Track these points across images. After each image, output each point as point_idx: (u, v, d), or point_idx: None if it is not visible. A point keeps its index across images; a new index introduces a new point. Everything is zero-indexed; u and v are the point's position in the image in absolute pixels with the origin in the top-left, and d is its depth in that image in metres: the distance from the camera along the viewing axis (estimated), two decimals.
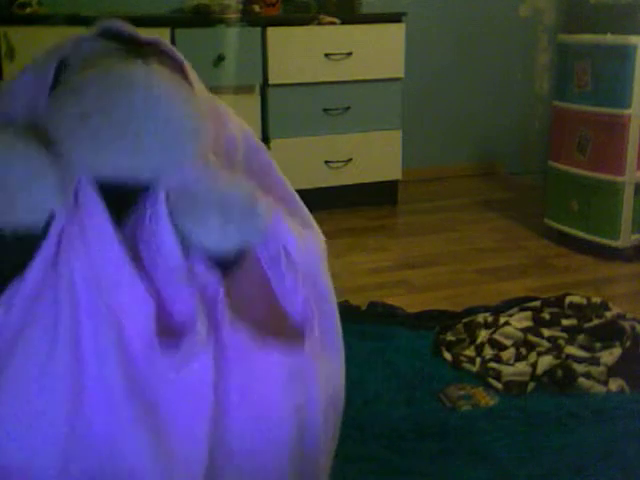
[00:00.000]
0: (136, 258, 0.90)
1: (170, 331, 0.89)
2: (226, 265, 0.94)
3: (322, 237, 1.08)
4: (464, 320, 2.05)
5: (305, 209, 1.12)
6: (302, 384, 0.97)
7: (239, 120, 1.14)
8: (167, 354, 0.88)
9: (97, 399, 0.85)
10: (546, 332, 1.93)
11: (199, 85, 1.04)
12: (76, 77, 0.91)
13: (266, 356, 0.94)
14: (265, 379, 0.94)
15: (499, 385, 1.74)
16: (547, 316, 2.02)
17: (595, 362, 1.78)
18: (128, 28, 1.03)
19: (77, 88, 0.89)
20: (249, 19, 3.08)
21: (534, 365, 1.78)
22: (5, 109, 0.96)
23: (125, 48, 0.99)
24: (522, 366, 1.79)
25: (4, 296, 0.87)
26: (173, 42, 2.94)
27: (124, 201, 0.91)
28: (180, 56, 1.02)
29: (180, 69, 1.03)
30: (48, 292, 0.86)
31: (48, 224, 0.86)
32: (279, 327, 0.99)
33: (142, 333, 0.87)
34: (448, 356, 1.88)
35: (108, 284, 0.87)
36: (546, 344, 1.88)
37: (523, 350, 1.87)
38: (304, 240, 1.02)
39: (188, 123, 0.91)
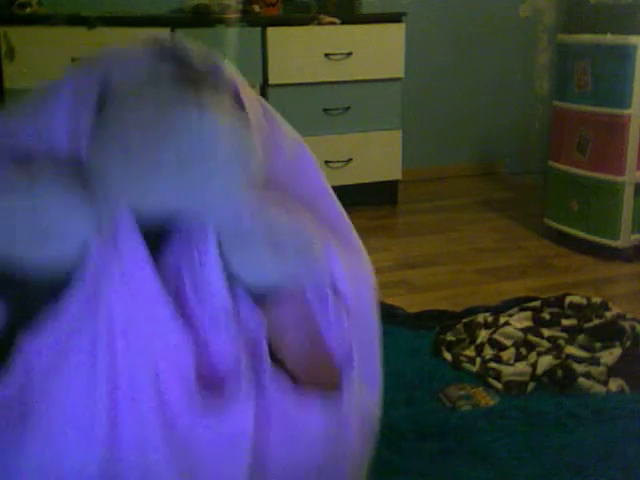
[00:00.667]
0: (178, 299, 0.87)
1: (211, 379, 0.87)
2: (271, 298, 0.91)
3: (370, 268, 1.04)
4: (464, 320, 2.05)
5: (355, 237, 1.09)
6: (339, 432, 0.95)
7: (295, 140, 1.09)
8: (207, 405, 0.85)
9: (131, 444, 0.83)
10: (546, 332, 1.93)
11: (254, 106, 0.98)
12: (122, 112, 0.87)
13: (306, 414, 0.91)
14: (304, 434, 0.92)
15: (499, 385, 1.74)
16: (547, 316, 2.02)
17: (595, 362, 1.78)
18: (183, 52, 0.94)
19: (122, 127, 0.85)
20: (249, 19, 3.08)
21: (534, 365, 1.78)
22: (44, 131, 0.92)
23: (175, 72, 0.93)
24: (522, 366, 1.79)
25: (38, 324, 0.84)
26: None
27: (166, 234, 0.89)
28: (234, 78, 0.96)
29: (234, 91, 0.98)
30: (86, 328, 0.84)
31: (82, 258, 0.84)
32: (319, 365, 0.97)
33: (180, 382, 0.84)
34: (448, 356, 1.88)
35: (146, 331, 0.84)
36: (546, 344, 1.88)
37: (523, 350, 1.87)
38: (355, 276, 0.99)
39: (235, 157, 0.87)
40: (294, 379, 0.92)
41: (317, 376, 0.95)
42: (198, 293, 0.87)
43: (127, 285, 0.84)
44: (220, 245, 0.88)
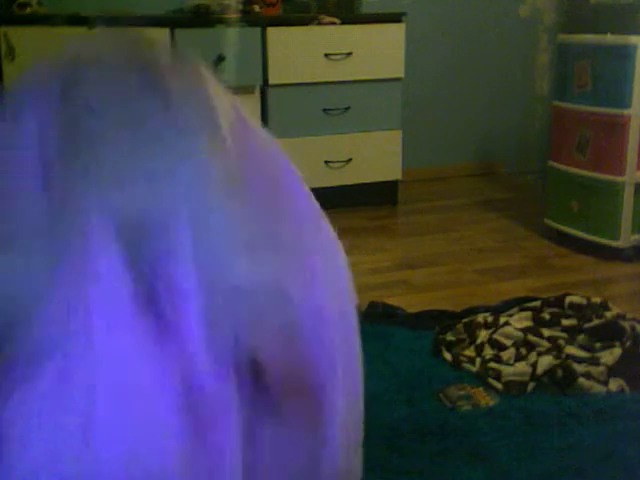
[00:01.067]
0: (153, 299, 0.84)
1: (194, 392, 0.84)
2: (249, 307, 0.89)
3: (345, 267, 1.03)
4: (464, 320, 2.05)
5: (330, 234, 1.06)
6: (321, 455, 0.94)
7: (269, 139, 1.05)
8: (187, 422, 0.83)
9: (112, 452, 0.81)
10: (546, 332, 1.93)
11: (224, 105, 0.97)
12: (86, 121, 0.84)
13: (290, 435, 0.90)
14: (287, 458, 0.91)
15: (499, 385, 1.74)
16: (547, 316, 2.02)
17: (595, 362, 1.78)
18: (151, 55, 0.91)
19: (87, 134, 0.82)
20: (249, 19, 3.08)
21: (534, 365, 1.78)
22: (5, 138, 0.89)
23: (142, 77, 0.90)
24: (522, 366, 1.79)
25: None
26: (173, 42, 2.94)
27: (140, 234, 0.86)
28: (203, 78, 0.93)
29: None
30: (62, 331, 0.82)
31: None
32: (300, 377, 0.95)
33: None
34: (448, 356, 1.88)
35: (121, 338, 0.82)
36: (546, 344, 1.88)
37: (523, 350, 1.87)
38: (332, 280, 0.97)
39: (203, 150, 0.85)
40: (274, 398, 0.91)
41: (297, 390, 0.94)
42: (174, 297, 0.85)
43: (102, 292, 0.82)
44: (195, 243, 0.85)
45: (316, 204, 1.07)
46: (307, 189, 1.08)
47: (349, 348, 1.02)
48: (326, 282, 0.96)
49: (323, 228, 1.05)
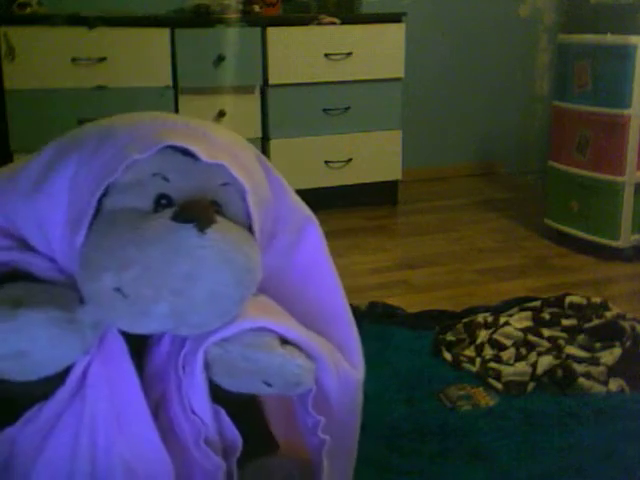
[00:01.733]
0: (162, 406, 0.89)
1: None
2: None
3: (358, 366, 1.04)
4: (464, 320, 2.05)
5: (347, 326, 1.06)
6: None
7: (303, 216, 1.05)
8: None
9: None
10: (546, 332, 1.93)
11: (261, 212, 0.93)
12: (114, 235, 0.82)
13: None
14: None
15: (499, 385, 1.74)
16: (547, 316, 2.02)
17: (595, 362, 1.78)
18: (191, 145, 0.87)
19: (118, 241, 0.81)
20: (249, 19, 3.08)
21: (534, 365, 1.78)
22: (44, 221, 0.88)
23: (180, 180, 0.87)
24: (522, 366, 1.79)
25: (26, 415, 0.87)
26: (173, 42, 2.95)
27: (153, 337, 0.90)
28: (243, 178, 0.89)
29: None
30: (70, 420, 0.86)
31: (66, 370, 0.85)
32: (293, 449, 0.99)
33: None
34: (448, 356, 1.88)
35: (128, 435, 0.86)
36: (546, 344, 1.88)
37: (523, 350, 1.87)
38: (340, 377, 0.98)
39: (232, 283, 0.83)
40: None
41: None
42: (182, 406, 0.89)
43: (111, 390, 0.86)
44: (207, 365, 0.88)
45: (340, 290, 1.08)
46: (331, 268, 1.08)
47: (345, 438, 1.05)
48: (333, 376, 0.98)
49: (345, 320, 1.07)
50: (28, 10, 2.89)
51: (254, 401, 0.98)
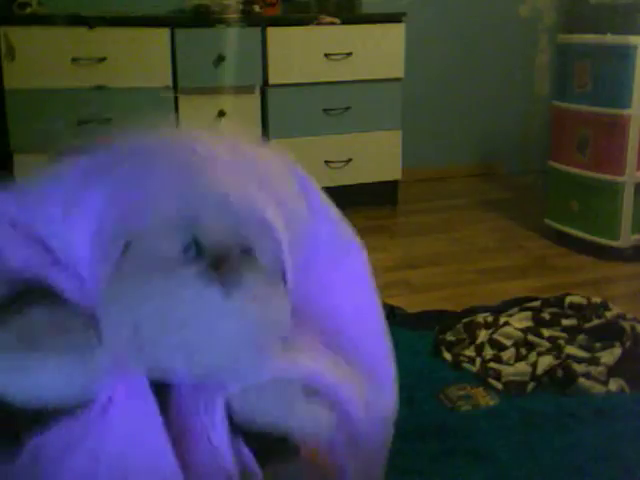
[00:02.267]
0: (182, 446, 0.88)
1: None
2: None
3: (389, 394, 1.03)
4: (464, 320, 2.05)
5: (381, 354, 1.06)
6: None
7: (345, 241, 1.05)
8: None
9: None
10: (546, 332, 1.93)
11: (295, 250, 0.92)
12: (139, 283, 0.81)
13: None
14: None
15: (499, 385, 1.74)
16: (547, 316, 2.02)
17: (595, 362, 1.78)
18: (230, 193, 0.85)
19: (139, 303, 0.80)
20: (249, 19, 3.08)
21: (534, 365, 1.78)
22: (65, 244, 0.87)
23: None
24: (522, 366, 1.79)
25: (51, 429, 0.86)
26: (173, 42, 2.95)
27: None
28: (274, 220, 0.87)
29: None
30: (90, 444, 0.85)
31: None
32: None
33: None
34: (448, 356, 1.88)
35: (147, 468, 0.86)
36: (546, 344, 1.88)
37: (523, 350, 1.87)
38: (371, 407, 0.98)
39: (255, 338, 0.83)
40: None
41: None
42: (201, 447, 0.88)
43: (131, 424, 0.86)
44: (227, 405, 0.88)
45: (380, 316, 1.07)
46: (373, 293, 1.07)
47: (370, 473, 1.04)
48: (360, 407, 0.98)
49: (381, 350, 1.07)
50: (28, 10, 2.89)
51: None
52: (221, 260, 0.82)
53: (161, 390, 0.89)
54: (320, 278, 1.00)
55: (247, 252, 0.86)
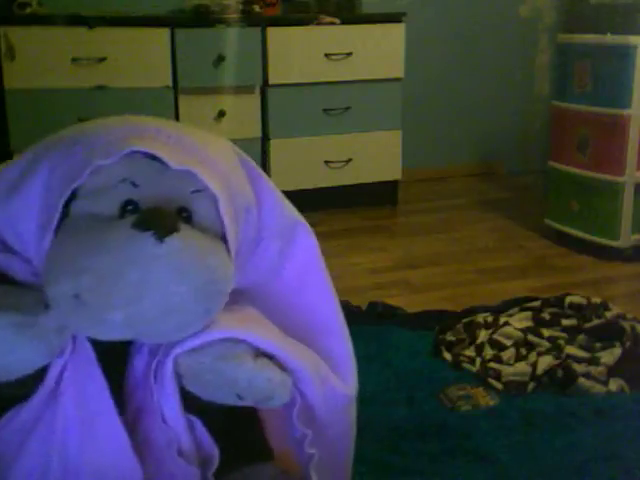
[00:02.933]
0: (136, 416, 0.89)
1: None
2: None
3: (349, 380, 1.03)
4: (464, 320, 2.05)
5: (339, 339, 1.05)
6: None
7: (291, 220, 1.03)
8: None
9: None
10: (546, 332, 1.93)
11: (236, 218, 0.92)
12: (76, 241, 0.82)
13: None
14: None
15: (499, 385, 1.74)
16: (547, 316, 2.02)
17: (595, 362, 1.78)
18: (158, 151, 0.85)
19: (75, 257, 0.80)
20: (249, 19, 3.08)
21: (534, 365, 1.78)
22: (16, 220, 0.88)
23: (144, 189, 0.86)
24: (522, 366, 1.79)
25: (6, 415, 0.88)
26: (173, 42, 2.95)
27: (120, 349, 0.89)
28: (212, 182, 0.87)
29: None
30: (45, 424, 0.86)
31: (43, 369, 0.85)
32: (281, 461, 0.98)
33: None
34: (448, 356, 1.88)
35: (98, 442, 0.86)
36: (546, 344, 1.88)
37: (523, 350, 1.87)
38: (327, 391, 0.97)
39: (195, 285, 0.82)
40: None
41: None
42: (155, 415, 0.88)
43: (81, 396, 0.86)
44: (179, 372, 0.88)
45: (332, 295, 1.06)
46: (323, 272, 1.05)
47: (335, 455, 1.04)
48: (318, 391, 0.98)
49: (336, 330, 1.05)
50: (28, 10, 2.89)
51: (248, 410, 0.97)
52: (156, 213, 0.83)
53: (113, 367, 0.88)
54: (269, 262, 1.00)
55: (183, 210, 0.87)
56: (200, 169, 0.86)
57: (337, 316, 1.06)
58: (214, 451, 0.92)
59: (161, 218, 0.82)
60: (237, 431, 0.96)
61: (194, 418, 0.91)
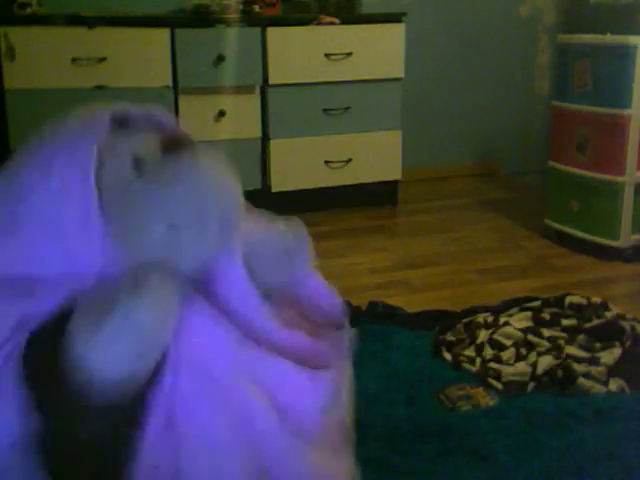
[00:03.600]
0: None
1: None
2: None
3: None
4: (464, 320, 2.05)
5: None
6: None
7: None
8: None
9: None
10: (546, 332, 1.93)
11: None
12: (133, 197, 0.90)
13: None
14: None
15: (499, 385, 1.74)
16: (547, 316, 2.02)
17: (595, 362, 1.78)
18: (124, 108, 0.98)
19: (148, 202, 0.89)
20: (249, 19, 3.08)
21: (534, 365, 1.78)
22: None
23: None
24: (522, 366, 1.79)
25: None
26: (173, 42, 2.95)
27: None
28: (174, 124, 1.02)
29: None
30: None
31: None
32: None
33: None
34: (448, 356, 1.88)
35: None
36: (546, 344, 1.88)
37: (523, 350, 1.87)
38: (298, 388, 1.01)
39: (236, 201, 0.95)
40: None
41: None
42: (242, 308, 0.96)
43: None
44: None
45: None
46: None
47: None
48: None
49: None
50: (28, 10, 2.89)
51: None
52: (169, 143, 0.93)
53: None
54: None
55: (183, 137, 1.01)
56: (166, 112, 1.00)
57: None
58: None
59: (179, 145, 0.94)
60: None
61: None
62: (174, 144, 0.92)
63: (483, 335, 1.94)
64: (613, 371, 1.76)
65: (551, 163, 2.90)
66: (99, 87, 2.88)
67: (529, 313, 2.04)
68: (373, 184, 3.37)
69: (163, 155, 0.91)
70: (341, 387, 1.05)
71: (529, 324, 1.99)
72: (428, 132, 3.92)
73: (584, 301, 2.08)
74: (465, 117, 3.99)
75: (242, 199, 0.96)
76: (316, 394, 0.97)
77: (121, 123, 0.95)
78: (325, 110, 3.22)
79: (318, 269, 1.11)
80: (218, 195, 0.91)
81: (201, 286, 0.94)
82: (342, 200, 3.34)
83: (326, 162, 3.24)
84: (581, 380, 1.72)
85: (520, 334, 1.92)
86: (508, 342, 1.90)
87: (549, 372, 1.76)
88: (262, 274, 0.99)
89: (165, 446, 0.84)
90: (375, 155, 3.33)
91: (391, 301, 2.24)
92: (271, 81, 3.10)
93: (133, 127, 0.95)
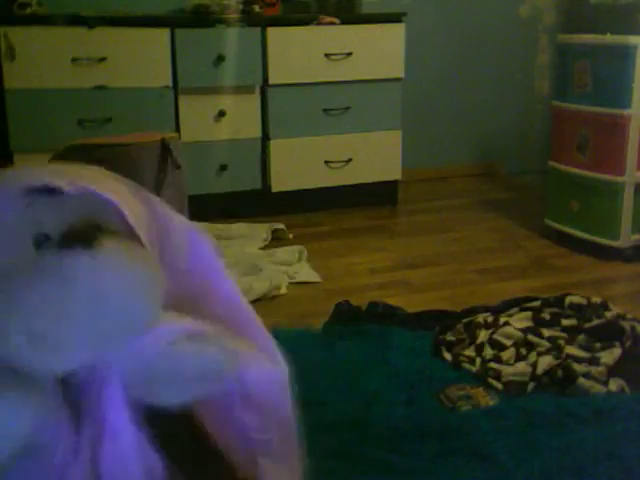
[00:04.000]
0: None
1: None
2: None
3: (280, 362, 1.03)
4: (464, 320, 2.05)
5: (257, 328, 1.06)
6: None
7: (188, 230, 1.04)
8: None
9: None
10: (546, 332, 1.93)
11: (142, 219, 0.93)
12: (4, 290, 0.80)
13: None
14: None
15: (499, 385, 1.74)
16: (547, 316, 2.02)
17: (595, 362, 1.78)
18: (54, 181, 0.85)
19: (12, 303, 0.78)
20: (249, 19, 3.08)
21: (534, 365, 1.78)
22: None
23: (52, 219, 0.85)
24: (522, 366, 1.79)
25: None
26: (173, 42, 2.95)
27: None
28: (114, 198, 0.88)
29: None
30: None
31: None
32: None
33: None
34: (448, 356, 1.88)
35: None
36: (546, 344, 1.88)
37: (523, 350, 1.87)
38: (266, 374, 0.98)
39: (138, 314, 0.82)
40: None
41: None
42: (111, 451, 0.86)
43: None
44: (125, 386, 0.86)
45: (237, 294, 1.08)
46: (223, 273, 1.07)
47: (282, 439, 1.03)
48: (258, 379, 0.98)
49: (251, 319, 1.06)
50: (28, 10, 2.89)
51: (192, 419, 0.95)
52: (76, 229, 0.82)
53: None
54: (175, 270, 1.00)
55: (95, 226, 0.86)
56: (96, 187, 0.86)
57: (248, 308, 1.07)
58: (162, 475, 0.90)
59: (85, 231, 0.82)
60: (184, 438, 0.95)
61: (144, 437, 0.88)
62: (80, 236, 0.81)
63: (483, 335, 1.94)
64: (613, 371, 1.76)
65: (551, 163, 2.90)
66: (99, 87, 2.88)
67: (529, 313, 2.04)
68: (373, 184, 3.38)
69: (59, 246, 0.81)
70: None
71: (529, 324, 1.99)
72: (428, 132, 3.92)
73: (584, 301, 2.08)
74: (465, 117, 3.99)
75: (152, 305, 0.84)
76: None
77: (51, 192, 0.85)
78: (325, 110, 3.22)
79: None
80: (101, 305, 0.79)
81: (73, 397, 0.85)
82: (342, 200, 3.34)
83: (326, 162, 3.24)
84: (581, 380, 1.72)
85: (520, 334, 1.92)
86: (508, 342, 1.90)
87: (549, 372, 1.76)
88: (158, 393, 0.88)
89: None
90: (375, 155, 3.33)
91: (391, 301, 2.24)
92: (271, 81, 3.10)
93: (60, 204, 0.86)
